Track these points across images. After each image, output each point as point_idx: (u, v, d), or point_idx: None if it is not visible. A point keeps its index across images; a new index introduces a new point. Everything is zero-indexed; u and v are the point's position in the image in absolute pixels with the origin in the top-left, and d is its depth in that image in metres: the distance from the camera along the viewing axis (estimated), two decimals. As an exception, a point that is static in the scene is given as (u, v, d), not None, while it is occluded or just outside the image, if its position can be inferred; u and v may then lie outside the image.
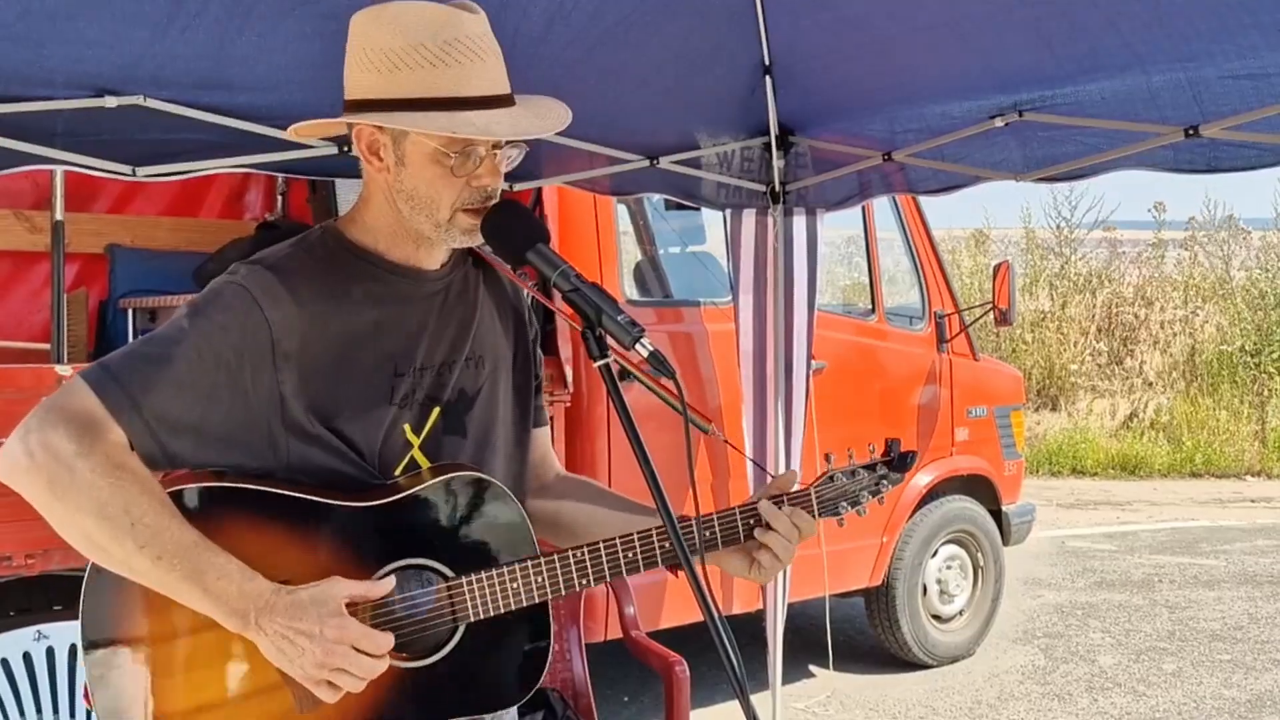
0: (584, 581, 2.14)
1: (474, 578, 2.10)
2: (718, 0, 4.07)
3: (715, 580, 6.27)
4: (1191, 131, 3.81)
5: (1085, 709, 6.54)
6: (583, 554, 2.14)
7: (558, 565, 2.13)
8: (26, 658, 3.66)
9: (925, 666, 7.16)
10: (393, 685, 2.09)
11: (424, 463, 2.15)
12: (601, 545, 2.14)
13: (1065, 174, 4.42)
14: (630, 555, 2.15)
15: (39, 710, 3.66)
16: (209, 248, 6.12)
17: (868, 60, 4.30)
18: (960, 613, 7.40)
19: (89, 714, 3.74)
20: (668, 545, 2.16)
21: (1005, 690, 6.86)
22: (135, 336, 5.88)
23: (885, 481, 2.31)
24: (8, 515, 3.85)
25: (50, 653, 3.69)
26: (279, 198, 6.62)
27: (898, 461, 2.31)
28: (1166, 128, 3.89)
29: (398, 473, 2.14)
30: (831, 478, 2.29)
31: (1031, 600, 8.81)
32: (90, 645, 2.04)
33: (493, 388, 2.30)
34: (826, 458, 2.35)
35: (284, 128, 3.85)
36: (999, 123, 4.25)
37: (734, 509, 2.23)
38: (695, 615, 6.36)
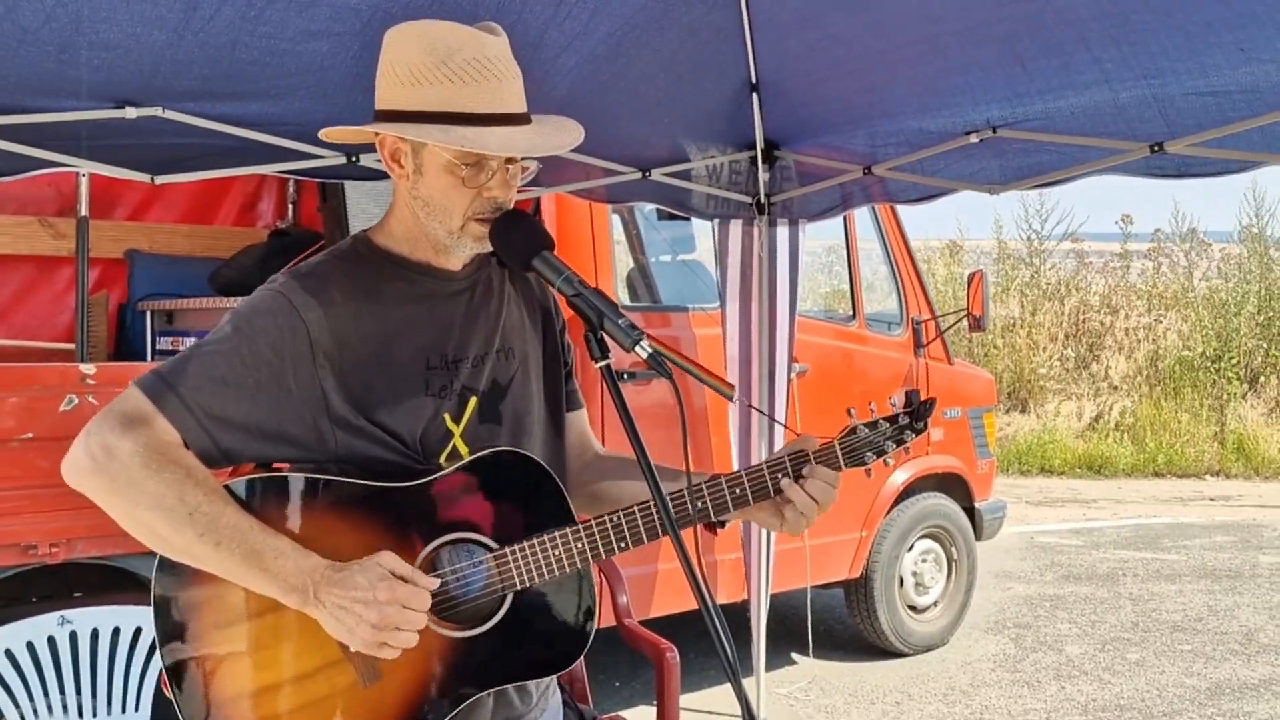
0: (622, 544, 2.15)
1: (517, 547, 2.12)
2: (707, 18, 4.08)
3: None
4: (1156, 148, 3.83)
5: (1053, 696, 6.55)
6: (619, 518, 2.15)
7: (595, 530, 2.15)
8: (51, 641, 3.66)
9: (901, 655, 7.16)
10: (447, 655, 2.12)
11: (464, 450, 2.18)
12: (636, 509, 2.15)
13: (1041, 183, 4.45)
14: (669, 515, 2.15)
15: (62, 691, 3.66)
16: (224, 254, 6.14)
17: (850, 77, 4.32)
18: (935, 604, 7.41)
19: (109, 695, 3.75)
20: (699, 504, 2.18)
21: (977, 677, 6.88)
22: (153, 338, 5.90)
23: (908, 431, 2.28)
24: (33, 506, 3.87)
25: (74, 637, 3.70)
26: (290, 206, 6.62)
27: (919, 411, 2.29)
28: (1133, 144, 3.91)
29: (442, 460, 2.17)
30: (854, 430, 2.27)
31: (1002, 592, 8.83)
32: (165, 637, 2.08)
33: (525, 377, 2.32)
34: (848, 413, 2.34)
35: (293, 136, 3.90)
36: (974, 139, 4.27)
37: (761, 464, 2.24)
38: (685, 605, 6.38)
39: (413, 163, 2.13)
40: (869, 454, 2.27)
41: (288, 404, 2.05)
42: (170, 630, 2.08)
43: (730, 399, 2.15)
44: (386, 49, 2.13)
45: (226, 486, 2.03)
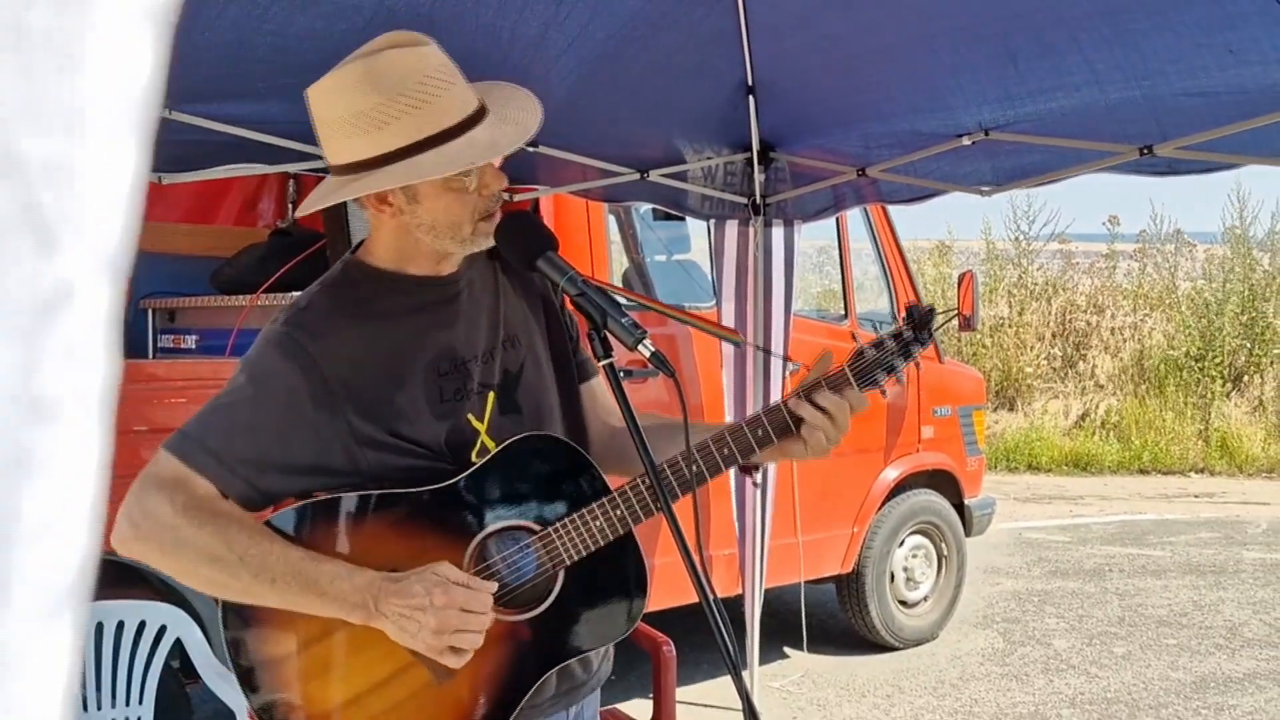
0: (658, 504, 2.13)
1: (559, 525, 2.12)
2: (704, 20, 4.07)
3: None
4: (1146, 150, 3.84)
5: (1041, 689, 6.56)
6: (651, 479, 2.12)
7: (630, 494, 2.14)
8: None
9: (892, 648, 7.18)
10: (512, 639, 2.13)
11: (492, 445, 2.17)
12: (666, 466, 2.14)
13: (1033, 184, 4.45)
14: (695, 468, 2.14)
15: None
16: (225, 253, 6.12)
17: (844, 77, 4.32)
18: (925, 598, 7.43)
19: (114, 688, 3.74)
20: (725, 452, 2.16)
21: (967, 671, 6.89)
22: (155, 336, 5.89)
23: (914, 344, 2.24)
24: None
25: (78, 630, 3.69)
26: (291, 206, 6.60)
27: (920, 322, 2.24)
28: (1123, 146, 3.92)
29: (473, 458, 2.16)
30: (861, 353, 2.23)
31: (991, 587, 8.84)
32: (245, 675, 2.10)
33: (534, 360, 2.31)
34: (853, 337, 2.31)
35: (297, 137, 3.90)
36: (966, 141, 4.27)
37: (780, 403, 2.21)
38: (678, 599, 6.36)
39: (403, 197, 2.08)
40: (880, 373, 2.23)
41: (314, 437, 2.05)
42: (249, 667, 2.10)
43: (738, 345, 2.14)
44: (322, 107, 2.05)
45: (269, 522, 2.04)
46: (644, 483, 2.14)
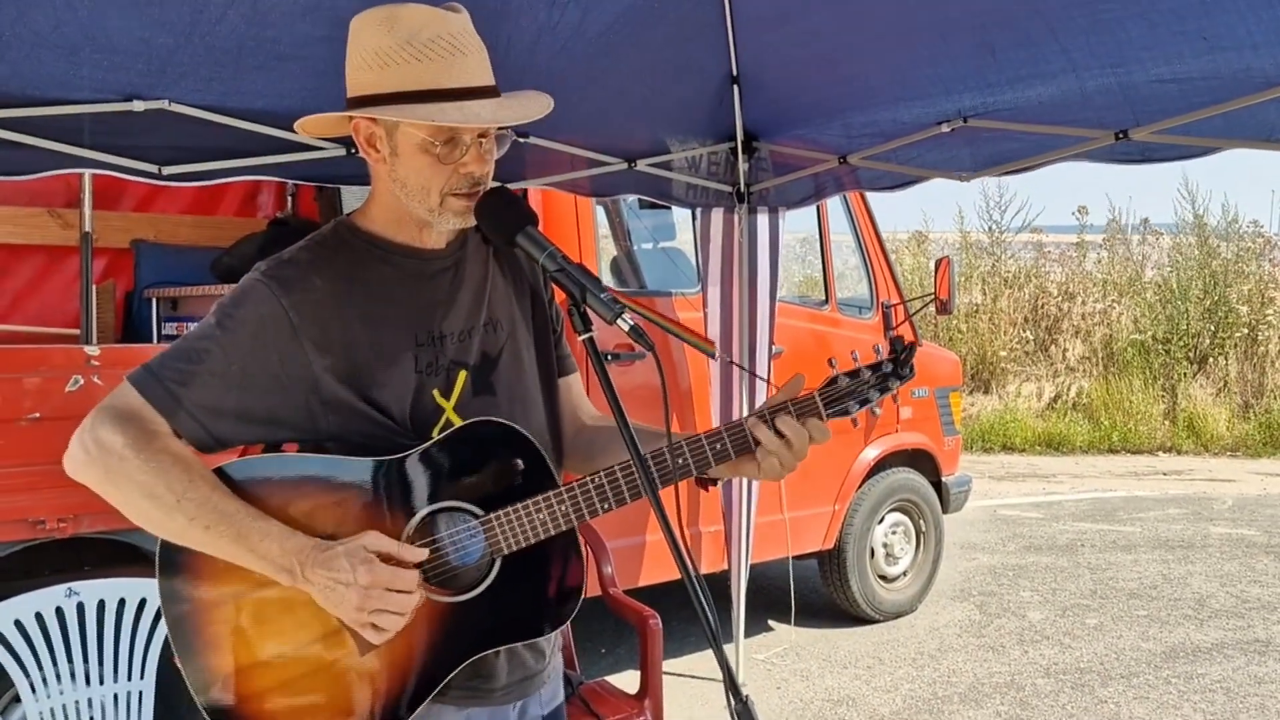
0: (605, 505, 2.06)
1: (502, 513, 2.05)
2: (691, 16, 4.02)
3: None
4: (1121, 135, 3.77)
5: (1017, 659, 6.53)
6: (600, 479, 2.06)
7: (578, 493, 2.06)
8: (59, 612, 3.59)
9: (872, 621, 7.15)
10: (440, 620, 2.05)
11: (457, 422, 2.10)
12: (618, 468, 2.06)
13: (1010, 170, 4.37)
14: (650, 473, 2.02)
15: (70, 660, 3.60)
16: (225, 243, 6.06)
17: (826, 69, 4.26)
18: (904, 573, 7.40)
19: (115, 664, 3.68)
20: (680, 461, 2.07)
21: (944, 642, 6.86)
22: (158, 324, 5.84)
23: (892, 378, 2.12)
24: (42, 483, 3.82)
25: (80, 608, 3.62)
26: (289, 198, 6.55)
27: (900, 357, 2.11)
28: (1099, 131, 3.84)
29: (435, 433, 2.09)
30: (835, 380, 2.11)
31: (968, 562, 8.81)
32: (170, 611, 2.03)
33: (514, 347, 2.24)
34: (830, 363, 2.20)
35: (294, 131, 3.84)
36: (945, 128, 4.20)
37: (742, 419, 2.11)
38: (667, 575, 6.33)
39: (388, 145, 2.05)
40: (853, 403, 2.11)
41: (276, 389, 2.00)
42: (175, 605, 2.03)
43: (712, 356, 2.06)
44: (353, 36, 2.04)
45: (222, 469, 1.98)
46: (592, 482, 2.06)
